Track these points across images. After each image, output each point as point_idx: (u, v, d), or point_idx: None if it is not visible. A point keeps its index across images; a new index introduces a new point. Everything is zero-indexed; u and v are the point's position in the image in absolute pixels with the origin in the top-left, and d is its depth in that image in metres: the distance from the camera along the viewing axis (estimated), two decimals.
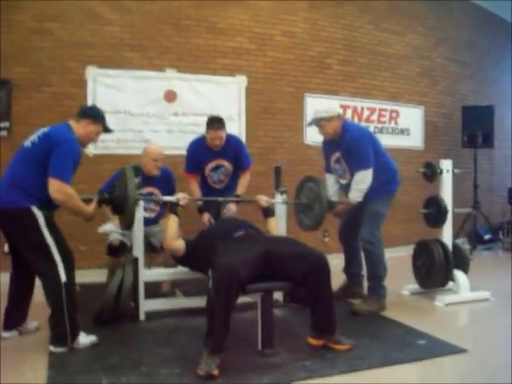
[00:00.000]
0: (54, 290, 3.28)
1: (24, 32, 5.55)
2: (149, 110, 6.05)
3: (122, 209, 3.59)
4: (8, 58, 5.47)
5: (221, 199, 4.52)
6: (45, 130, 3.42)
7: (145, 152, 4.81)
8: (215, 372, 2.90)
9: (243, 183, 4.91)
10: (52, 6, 5.64)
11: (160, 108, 6.11)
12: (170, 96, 6.15)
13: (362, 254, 4.59)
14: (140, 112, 6.01)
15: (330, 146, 4.63)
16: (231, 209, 4.66)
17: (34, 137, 3.39)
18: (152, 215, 4.78)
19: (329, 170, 4.76)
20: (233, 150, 4.84)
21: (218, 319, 2.99)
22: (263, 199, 4.22)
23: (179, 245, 3.80)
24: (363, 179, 4.31)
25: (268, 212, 4.20)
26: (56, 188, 3.21)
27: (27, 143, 3.39)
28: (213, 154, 4.79)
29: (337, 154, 4.53)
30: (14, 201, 3.26)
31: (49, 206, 3.30)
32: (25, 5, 5.55)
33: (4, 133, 5.48)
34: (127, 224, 3.71)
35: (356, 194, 4.37)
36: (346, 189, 4.55)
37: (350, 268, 4.82)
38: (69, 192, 3.26)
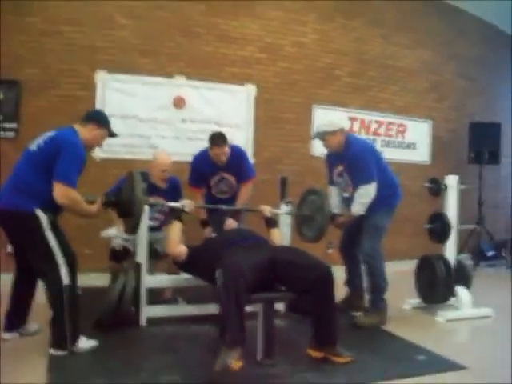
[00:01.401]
0: (55, 292, 3.28)
1: (35, 34, 5.59)
2: (157, 116, 6.08)
3: (128, 212, 3.58)
4: (18, 59, 5.52)
5: (225, 207, 4.51)
6: (50, 133, 3.42)
7: (154, 161, 4.77)
8: (234, 364, 2.84)
9: (243, 196, 4.89)
10: (64, 8, 5.68)
11: (168, 114, 6.14)
12: (179, 103, 6.18)
13: (363, 267, 4.60)
14: (148, 117, 6.03)
15: (333, 159, 4.65)
16: (230, 224, 4.61)
17: (39, 140, 3.39)
18: (156, 223, 4.77)
19: (332, 182, 4.77)
20: (235, 162, 4.85)
21: (231, 313, 2.97)
22: (266, 209, 4.21)
23: (181, 250, 3.78)
24: (366, 193, 4.31)
25: (271, 222, 4.18)
26: (61, 192, 3.22)
27: (33, 147, 3.39)
28: (216, 167, 4.80)
29: (340, 168, 4.54)
30: (18, 204, 3.26)
31: (53, 209, 3.30)
32: (37, 7, 5.60)
33: (11, 134, 5.51)
34: (132, 227, 3.71)
35: (358, 207, 4.37)
36: (348, 202, 4.55)
37: (352, 281, 4.82)
38: (73, 196, 3.27)
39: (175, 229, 3.86)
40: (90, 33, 5.78)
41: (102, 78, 5.84)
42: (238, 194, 4.89)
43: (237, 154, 4.90)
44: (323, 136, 4.48)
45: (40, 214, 3.26)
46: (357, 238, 4.54)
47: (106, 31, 5.85)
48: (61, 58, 5.67)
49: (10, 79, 5.49)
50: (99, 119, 3.63)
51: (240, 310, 3.00)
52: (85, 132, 3.50)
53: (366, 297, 4.63)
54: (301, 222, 4.41)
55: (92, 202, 3.47)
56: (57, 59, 5.66)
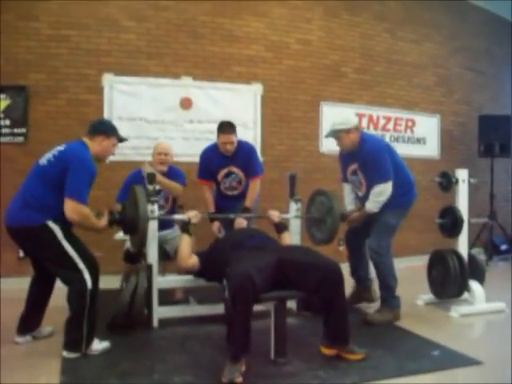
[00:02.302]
0: (79, 296, 3.28)
1: (41, 39, 5.62)
2: (164, 118, 6.09)
3: (133, 229, 3.61)
4: (25, 65, 5.56)
5: (232, 216, 4.49)
6: (60, 148, 3.42)
7: (153, 150, 4.88)
8: (238, 380, 2.89)
9: (252, 194, 4.84)
10: (69, 13, 5.70)
11: (176, 115, 6.14)
12: (186, 103, 6.18)
13: (371, 263, 4.56)
14: (156, 119, 6.04)
15: (346, 157, 4.60)
16: (241, 223, 4.59)
17: (49, 155, 3.40)
18: (162, 212, 4.74)
19: (345, 180, 4.73)
20: (244, 157, 4.83)
21: (236, 328, 3.01)
22: (275, 215, 4.20)
23: (193, 262, 3.80)
24: (383, 192, 4.27)
25: (280, 227, 4.18)
26: (72, 209, 3.22)
27: (43, 161, 3.39)
28: (225, 160, 4.80)
29: (354, 166, 4.49)
30: (29, 219, 3.27)
31: (64, 222, 3.30)
32: (42, 12, 5.62)
33: (20, 139, 5.53)
34: (138, 244, 3.73)
35: (373, 205, 4.32)
36: (361, 200, 4.52)
37: (357, 272, 4.76)
38: (84, 212, 3.28)
39: (184, 243, 3.86)
40: (96, 36, 5.80)
41: (108, 80, 5.85)
42: (247, 191, 4.88)
43: (246, 148, 4.89)
44: (337, 134, 4.42)
45: (52, 225, 3.27)
46: (364, 231, 4.50)
47: (111, 34, 5.86)
48: (67, 62, 5.70)
49: (18, 85, 5.53)
50: (106, 129, 3.61)
51: (246, 324, 3.01)
52: (94, 145, 3.50)
53: (374, 288, 4.62)
54: (310, 224, 4.38)
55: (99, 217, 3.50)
56: (63, 63, 5.69)
